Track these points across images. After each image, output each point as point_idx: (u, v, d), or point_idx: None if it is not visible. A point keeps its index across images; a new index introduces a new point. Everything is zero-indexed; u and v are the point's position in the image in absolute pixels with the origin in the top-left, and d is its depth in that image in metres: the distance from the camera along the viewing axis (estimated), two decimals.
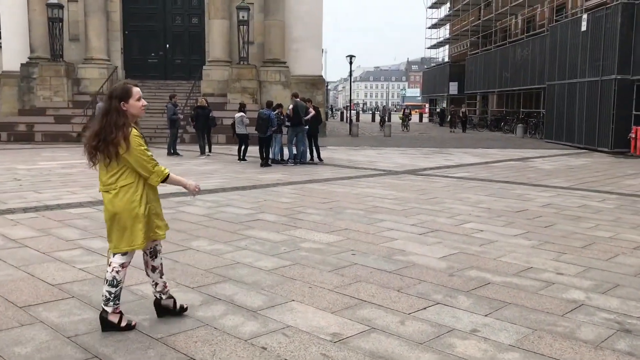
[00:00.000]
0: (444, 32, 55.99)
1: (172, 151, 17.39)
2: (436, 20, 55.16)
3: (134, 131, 3.80)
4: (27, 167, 14.18)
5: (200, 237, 6.84)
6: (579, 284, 5.21)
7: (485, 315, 4.38)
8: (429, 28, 56.18)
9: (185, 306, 4.29)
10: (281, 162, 15.50)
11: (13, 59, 26.17)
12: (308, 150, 15.91)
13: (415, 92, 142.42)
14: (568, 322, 4.26)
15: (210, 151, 17.71)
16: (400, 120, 38.39)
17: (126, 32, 27.89)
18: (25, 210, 8.47)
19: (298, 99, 15.25)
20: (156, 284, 4.17)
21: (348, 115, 36.59)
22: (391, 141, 26.20)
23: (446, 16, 52.63)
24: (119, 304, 3.94)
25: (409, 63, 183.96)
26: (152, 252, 4.10)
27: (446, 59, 56.11)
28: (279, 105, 15.36)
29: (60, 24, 25.50)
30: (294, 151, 15.44)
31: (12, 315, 4.25)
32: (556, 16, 30.86)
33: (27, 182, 11.48)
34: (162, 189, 4.44)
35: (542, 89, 27.90)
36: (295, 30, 27.06)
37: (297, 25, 27.01)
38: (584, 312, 4.49)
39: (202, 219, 7.94)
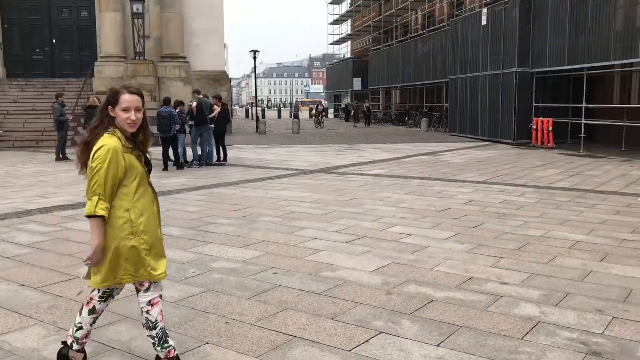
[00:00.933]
0: (346, 28, 56.23)
1: (61, 156, 15.72)
2: (337, 16, 55.23)
3: (110, 142, 3.02)
4: None
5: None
6: (528, 295, 4.70)
7: (438, 345, 3.73)
8: (331, 24, 56.22)
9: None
10: (185, 164, 14.34)
11: None
12: (215, 150, 14.86)
13: (318, 88, 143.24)
14: (531, 347, 3.68)
15: None
16: (313, 117, 37.76)
17: (5, 26, 25.32)
18: None
19: (201, 96, 14.16)
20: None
21: (254, 112, 35.55)
22: (300, 138, 25.55)
23: (347, 12, 52.78)
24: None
25: (311, 59, 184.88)
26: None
27: (349, 55, 56.34)
28: (179, 103, 14.19)
29: None
30: (199, 152, 14.36)
31: None
32: (455, 11, 31.45)
33: None
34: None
35: (445, 82, 28.31)
36: (196, 24, 25.69)
37: (197, 18, 25.65)
38: (544, 331, 3.95)
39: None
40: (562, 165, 14.29)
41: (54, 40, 25.98)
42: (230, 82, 32.56)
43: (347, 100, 52.64)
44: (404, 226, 7.29)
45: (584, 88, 17.72)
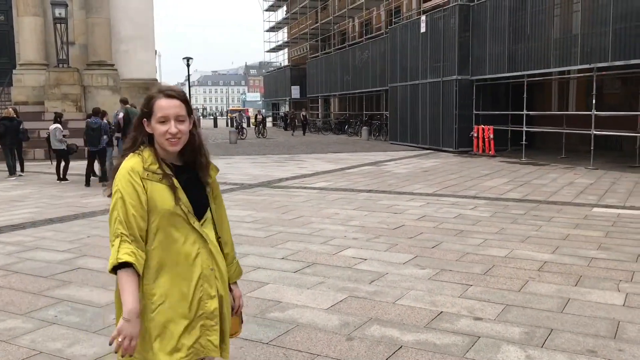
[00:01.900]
0: (283, 35, 55.60)
1: None
2: (274, 23, 54.54)
3: (127, 163, 2.16)
4: None
5: None
6: (508, 334, 4.07)
7: None
8: (267, 31, 55.46)
9: None
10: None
11: None
12: None
13: (255, 96, 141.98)
14: None
15: (22, 171, 14.77)
16: (254, 127, 36.71)
17: None
18: None
19: (128, 105, 13.06)
20: None
21: None
22: (238, 148, 24.60)
23: (284, 19, 52.23)
24: None
25: (248, 67, 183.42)
26: None
27: (286, 63, 55.72)
28: (102, 113, 13.03)
29: None
30: None
31: None
32: (393, 19, 31.35)
33: None
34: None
35: (385, 91, 28.06)
36: (124, 29, 24.32)
37: (125, 23, 24.28)
38: None
39: None
40: (507, 174, 14.05)
41: None
42: None
43: (285, 108, 51.97)
44: (358, 249, 6.60)
45: (525, 95, 17.70)
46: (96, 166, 12.97)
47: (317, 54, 42.66)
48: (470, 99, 20.31)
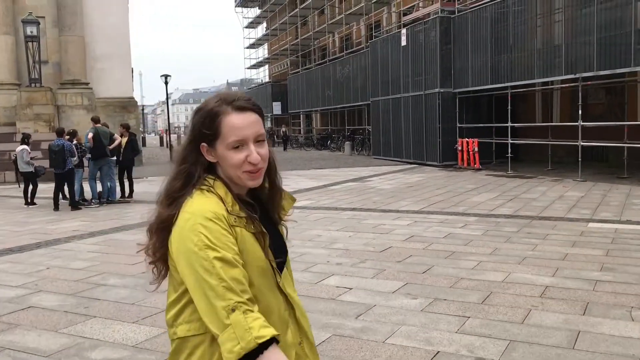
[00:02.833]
0: (263, 51, 55.24)
1: None
2: (254, 40, 54.20)
3: (205, 206, 1.47)
4: None
5: None
6: None
7: None
8: (247, 48, 55.05)
9: None
10: (82, 203, 12.52)
11: None
12: (118, 185, 13.13)
13: None
14: None
15: None
16: None
17: None
18: None
19: (99, 125, 12.44)
20: None
21: (168, 139, 33.58)
22: None
23: (264, 35, 51.91)
24: None
25: (229, 85, 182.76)
26: None
27: (267, 79, 55.32)
28: (73, 133, 12.38)
29: None
30: (99, 188, 12.58)
31: None
32: (372, 33, 31.11)
33: None
34: None
35: (367, 105, 27.68)
36: (99, 47, 23.70)
37: (100, 41, 23.67)
38: None
39: None
40: (494, 188, 13.62)
41: None
42: (143, 109, 30.64)
43: (267, 125, 51.50)
44: (342, 276, 6.05)
45: (509, 107, 17.38)
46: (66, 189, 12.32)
47: (297, 70, 42.32)
48: (453, 112, 19.96)
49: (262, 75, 58.58)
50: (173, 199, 1.53)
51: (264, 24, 52.31)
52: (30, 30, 21.40)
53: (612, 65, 13.59)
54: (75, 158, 11.95)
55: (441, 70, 19.85)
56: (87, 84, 23.17)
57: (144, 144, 40.74)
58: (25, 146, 12.72)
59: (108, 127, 13.12)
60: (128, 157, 13.21)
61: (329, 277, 6.02)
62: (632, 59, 12.88)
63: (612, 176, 14.87)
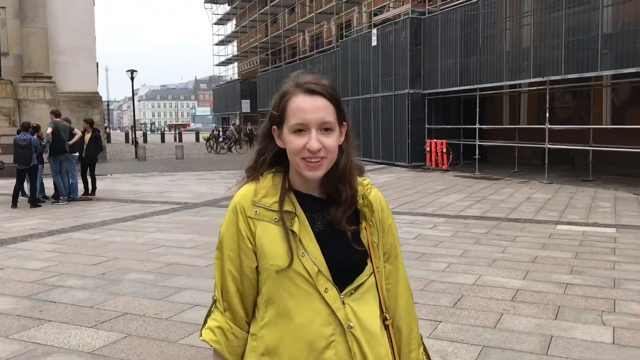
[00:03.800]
0: (232, 49, 54.75)
1: None
2: (223, 36, 53.65)
3: (236, 197, 1.47)
4: None
5: None
6: None
7: None
8: (217, 45, 54.48)
9: None
10: (43, 200, 12.09)
11: None
12: (80, 182, 12.70)
13: (205, 110, 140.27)
14: None
15: None
16: (206, 141, 35.26)
17: None
18: None
19: (59, 119, 12.00)
20: None
21: (133, 136, 32.91)
22: (185, 164, 23.58)
23: (233, 32, 51.42)
24: None
25: (197, 81, 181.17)
26: None
27: (236, 77, 54.81)
28: (35, 128, 11.94)
29: None
30: (60, 184, 12.15)
31: None
32: (343, 32, 31.05)
33: None
34: None
35: None
36: (62, 40, 23.03)
37: (64, 34, 23.00)
38: None
39: None
40: (462, 189, 13.65)
41: None
42: (109, 105, 29.96)
43: (235, 122, 51.03)
44: None
45: (477, 109, 17.48)
46: (26, 186, 11.86)
47: (267, 68, 42.03)
48: (422, 113, 20.00)
49: (232, 72, 58.04)
50: (248, 176, 1.50)
51: (234, 21, 51.83)
52: None
53: (579, 69, 13.76)
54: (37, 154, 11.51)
55: (411, 71, 19.88)
56: (49, 77, 22.49)
57: (109, 141, 39.90)
58: None
59: (70, 122, 12.67)
60: (91, 154, 12.79)
61: None
62: (598, 64, 13.05)
63: (578, 179, 15.07)
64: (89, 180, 12.91)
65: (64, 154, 11.83)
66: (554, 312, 4.75)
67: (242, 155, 30.01)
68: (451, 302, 5.06)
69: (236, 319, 1.44)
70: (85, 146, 12.59)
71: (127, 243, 7.75)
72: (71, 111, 21.34)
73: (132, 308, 4.95)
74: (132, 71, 28.99)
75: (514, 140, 18.21)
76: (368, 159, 22.72)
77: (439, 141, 19.29)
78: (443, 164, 19.01)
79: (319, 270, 1.37)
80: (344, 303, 1.38)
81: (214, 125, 60.64)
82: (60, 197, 12.10)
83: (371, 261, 1.45)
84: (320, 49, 33.90)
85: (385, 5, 25.74)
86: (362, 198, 1.46)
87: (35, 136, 11.72)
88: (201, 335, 1.47)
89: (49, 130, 11.58)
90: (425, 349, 1.59)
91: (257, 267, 1.42)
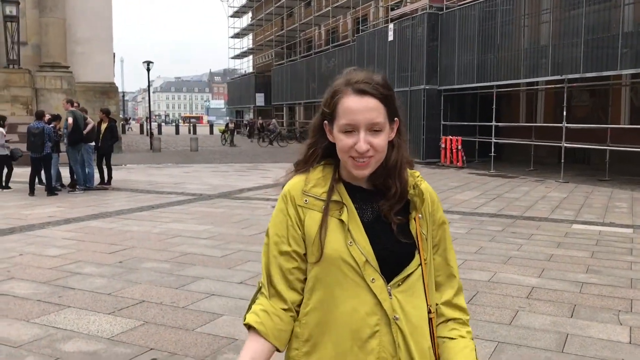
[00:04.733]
0: (248, 42, 54.82)
1: None
2: (239, 29, 53.72)
3: (293, 186, 1.49)
4: None
5: None
6: None
7: None
8: (232, 37, 54.57)
9: None
10: (59, 188, 12.22)
11: None
12: (96, 172, 12.82)
13: (219, 103, 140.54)
14: None
15: None
16: (221, 133, 35.19)
17: None
18: None
19: (73, 108, 12.07)
20: None
21: (148, 127, 33.09)
22: (199, 156, 23.69)
23: (249, 25, 51.46)
24: None
25: (212, 74, 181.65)
26: None
27: (251, 70, 54.88)
28: (55, 117, 12.06)
29: None
30: (81, 174, 12.26)
31: None
32: (359, 27, 30.96)
33: None
34: None
35: None
36: (80, 31, 23.20)
37: (82, 24, 23.17)
38: None
39: None
40: (477, 186, 13.59)
41: None
42: (124, 95, 30.12)
43: (249, 116, 51.16)
44: None
45: (494, 106, 17.38)
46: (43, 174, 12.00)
47: (282, 62, 42.02)
48: (438, 109, 19.93)
49: (246, 65, 58.16)
50: (296, 170, 1.52)
51: (250, 14, 51.84)
52: (10, 10, 20.89)
53: (598, 68, 13.63)
54: (50, 143, 11.61)
55: (427, 67, 19.80)
56: (67, 67, 22.67)
57: (123, 131, 40.13)
58: (0, 128, 12.34)
59: (86, 112, 12.77)
60: (107, 144, 12.89)
61: None
62: (618, 62, 12.91)
63: (594, 178, 14.95)
64: (105, 170, 13.03)
65: (81, 143, 11.92)
66: (570, 311, 4.74)
67: (259, 149, 30.08)
68: (466, 298, 5.01)
69: (283, 305, 1.43)
70: (100, 136, 12.69)
71: (143, 232, 7.82)
72: (87, 101, 21.52)
73: (149, 296, 5.01)
74: (148, 62, 29.13)
75: (530, 139, 18.09)
76: None
77: (454, 138, 19.20)
78: (458, 161, 18.93)
79: (366, 260, 1.38)
80: (390, 294, 1.39)
81: (227, 118, 60.76)
82: (77, 186, 12.22)
83: (419, 253, 1.45)
84: (335, 43, 33.83)
85: (402, 0, 25.62)
86: (413, 188, 1.48)
87: (51, 125, 11.84)
88: (244, 320, 1.43)
89: (70, 119, 11.67)
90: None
91: (304, 255, 1.44)
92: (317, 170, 1.48)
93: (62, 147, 12.20)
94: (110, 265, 6.07)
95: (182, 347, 3.90)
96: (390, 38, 21.95)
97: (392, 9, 26.07)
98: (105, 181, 12.98)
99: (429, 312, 1.47)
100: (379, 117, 1.39)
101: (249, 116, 51.24)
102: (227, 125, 36.77)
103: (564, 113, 14.68)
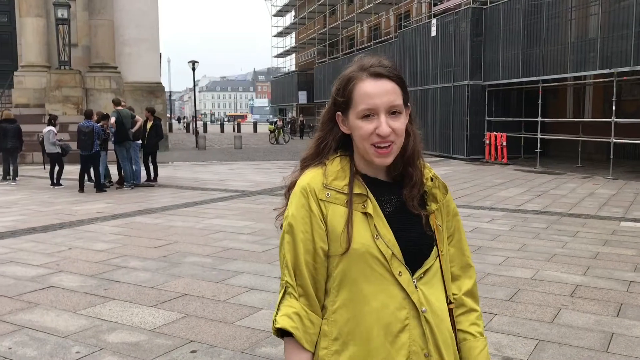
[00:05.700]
0: (290, 40, 55.12)
1: None
2: (282, 28, 54.07)
3: (303, 180, 1.45)
4: None
5: None
6: None
7: None
8: (275, 36, 54.98)
9: None
10: (108, 185, 12.58)
11: None
12: (143, 169, 13.14)
13: (263, 102, 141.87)
14: None
15: (17, 175, 14.11)
16: (270, 132, 35.27)
17: None
18: None
19: (120, 107, 12.40)
20: None
21: (194, 126, 33.68)
22: (243, 154, 23.98)
23: (292, 24, 51.74)
24: None
25: (256, 73, 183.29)
26: None
27: (293, 68, 55.17)
28: (104, 116, 12.42)
29: None
30: (129, 171, 12.60)
31: None
32: (402, 23, 30.73)
33: None
34: None
35: None
36: (128, 32, 23.79)
37: (129, 25, 23.76)
38: None
39: None
40: (523, 183, 13.32)
41: None
42: (170, 95, 30.73)
43: (292, 114, 51.45)
44: None
45: (540, 101, 16.99)
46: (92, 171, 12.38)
47: (324, 59, 42.10)
48: (482, 105, 19.60)
49: (289, 64, 58.47)
50: (304, 166, 1.49)
51: (292, 13, 52.10)
52: (61, 13, 21.55)
53: None
54: (98, 142, 11.95)
55: (471, 62, 19.50)
56: (115, 67, 23.30)
57: (170, 130, 40.95)
58: (51, 127, 12.80)
59: (133, 110, 13.09)
60: (152, 142, 13.19)
61: None
62: None
63: None
64: (151, 167, 13.35)
65: (128, 141, 12.24)
66: (616, 310, 4.61)
67: (300, 146, 30.26)
68: (507, 295, 4.98)
69: (312, 304, 1.40)
70: (146, 134, 13.01)
71: (187, 228, 7.99)
72: (135, 100, 22.06)
73: (191, 290, 5.12)
74: (194, 62, 29.64)
75: (578, 134, 17.60)
76: (425, 151, 22.23)
77: (498, 134, 18.86)
78: (503, 158, 18.58)
79: (392, 254, 1.37)
80: (416, 287, 1.39)
81: (271, 116, 61.19)
82: (125, 183, 12.56)
83: (436, 245, 1.45)
84: (378, 40, 33.66)
85: None
86: (432, 180, 1.47)
87: (100, 124, 12.19)
88: (276, 323, 1.37)
89: (112, 120, 12.01)
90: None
91: (328, 251, 1.40)
92: (334, 163, 1.44)
93: (111, 145, 12.54)
94: (154, 259, 6.23)
95: (221, 340, 3.97)
96: (433, 34, 21.71)
97: (435, 5, 25.77)
98: (152, 178, 13.30)
99: (449, 302, 1.48)
100: (398, 100, 1.38)
101: (291, 114, 51.50)
102: (275, 123, 36.90)
103: (613, 108, 14.23)
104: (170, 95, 72.60)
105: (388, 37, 32.16)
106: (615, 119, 14.27)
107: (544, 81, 16.92)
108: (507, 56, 18.26)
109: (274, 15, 54.18)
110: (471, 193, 11.63)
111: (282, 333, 1.38)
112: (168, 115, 41.43)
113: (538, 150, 17.25)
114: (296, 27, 50.99)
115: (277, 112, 59.15)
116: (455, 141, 20.46)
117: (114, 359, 3.66)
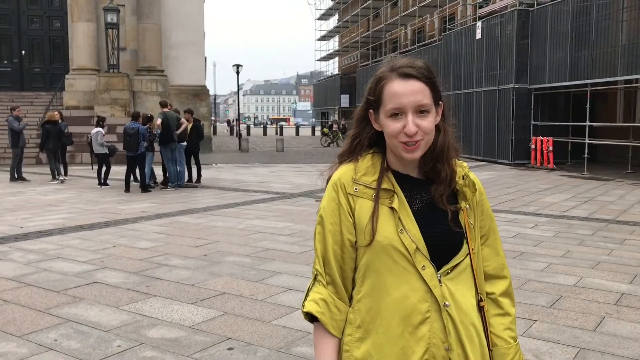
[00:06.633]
0: (334, 44, 55.21)
1: (16, 176, 14.16)
2: (325, 32, 54.24)
3: (336, 175, 1.52)
4: None
5: None
6: None
7: None
8: (319, 40, 55.18)
9: None
10: (153, 186, 12.88)
11: None
12: (186, 170, 13.40)
13: (306, 105, 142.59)
14: None
15: (65, 175, 14.61)
16: (323, 135, 35.24)
17: None
18: None
19: (166, 109, 12.67)
20: None
21: (238, 129, 34.15)
22: (285, 157, 24.16)
23: (335, 27, 51.83)
24: None
25: (299, 77, 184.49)
26: None
27: (336, 72, 55.26)
28: (149, 118, 12.73)
29: None
30: (173, 172, 12.87)
31: None
32: (446, 26, 30.44)
33: None
34: None
35: None
36: (174, 36, 24.33)
37: (176, 30, 24.30)
38: None
39: (6, 284, 5.33)
40: (569, 189, 13.00)
41: (23, 52, 24.52)
42: (215, 98, 31.22)
43: (334, 117, 51.53)
44: None
45: (588, 105, 16.54)
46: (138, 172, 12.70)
47: (367, 62, 42.02)
48: (528, 109, 19.20)
49: (332, 67, 58.57)
50: (340, 161, 1.56)
51: (336, 16, 52.21)
52: (111, 17, 22.21)
53: None
54: (145, 143, 12.25)
55: (517, 65, 19.13)
56: (162, 71, 23.84)
57: (214, 132, 41.58)
58: (99, 128, 13.19)
59: (178, 112, 13.36)
60: (192, 142, 13.41)
61: None
62: None
63: None
64: (194, 168, 13.59)
65: (173, 142, 12.51)
66: None
67: (339, 150, 30.27)
68: (549, 302, 4.88)
69: (339, 292, 1.47)
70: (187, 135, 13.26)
71: (228, 228, 8.10)
72: (180, 103, 22.47)
73: (230, 288, 5.19)
74: (238, 65, 30.05)
75: (628, 139, 17.06)
76: (468, 156, 22.16)
77: (545, 139, 18.44)
78: (549, 163, 18.16)
79: (417, 248, 1.41)
80: (440, 282, 1.42)
81: (313, 120, 61.39)
82: (169, 184, 12.83)
83: (467, 242, 1.47)
84: (421, 43, 33.43)
85: None
86: (463, 178, 1.49)
87: (146, 126, 12.49)
88: (304, 307, 1.47)
89: (159, 121, 12.29)
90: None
91: (355, 242, 1.46)
92: (366, 159, 1.50)
93: (157, 146, 12.84)
94: (195, 258, 6.35)
95: (258, 338, 4.02)
96: (478, 36, 21.41)
97: (481, 7, 25.41)
98: (195, 179, 13.54)
99: (480, 300, 1.49)
100: (425, 99, 1.41)
101: (333, 117, 51.58)
102: (331, 126, 36.95)
103: None
104: (215, 99, 73.68)
105: (432, 40, 31.89)
106: None
107: (593, 85, 16.47)
108: (554, 59, 17.85)
109: (318, 19, 54.41)
110: (515, 198, 11.41)
111: (312, 318, 1.47)
112: (212, 118, 42.09)
113: (586, 155, 16.79)
114: (340, 31, 51.05)
115: (320, 115, 59.32)
116: (500, 145, 20.11)
117: (153, 354, 3.75)
